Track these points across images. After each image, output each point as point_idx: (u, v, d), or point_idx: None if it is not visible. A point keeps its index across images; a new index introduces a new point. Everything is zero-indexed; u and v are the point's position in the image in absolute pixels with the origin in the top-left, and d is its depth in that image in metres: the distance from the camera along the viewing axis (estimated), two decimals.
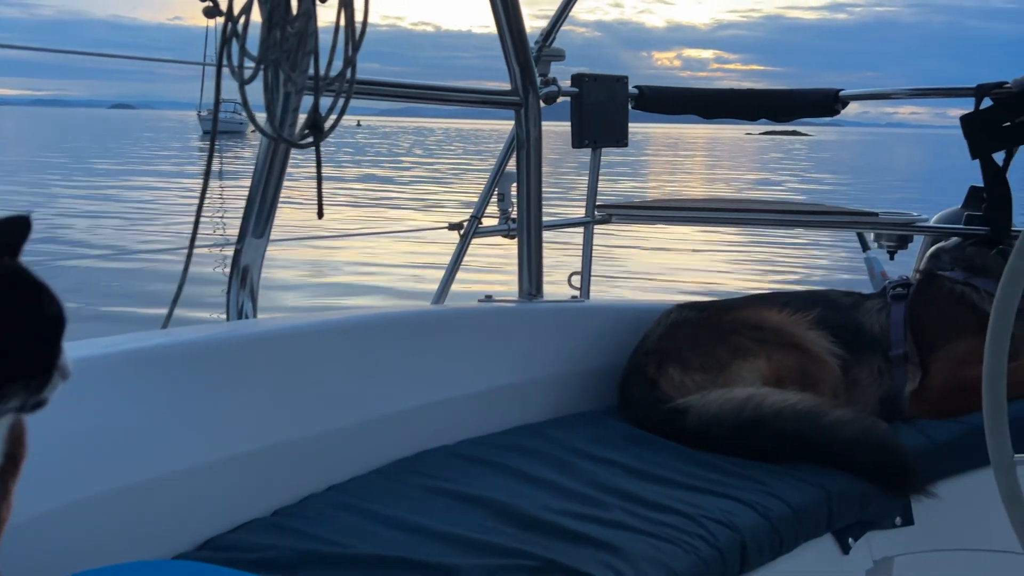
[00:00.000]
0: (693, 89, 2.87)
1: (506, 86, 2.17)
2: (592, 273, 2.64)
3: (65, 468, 1.25)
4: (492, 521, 1.47)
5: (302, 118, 1.64)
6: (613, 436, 1.92)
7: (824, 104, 2.74)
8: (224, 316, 1.82)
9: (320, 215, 1.68)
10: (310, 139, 1.65)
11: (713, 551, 1.43)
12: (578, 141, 2.61)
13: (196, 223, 1.71)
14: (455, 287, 2.38)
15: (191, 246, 1.71)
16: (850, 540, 1.72)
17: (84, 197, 17.10)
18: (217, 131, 1.68)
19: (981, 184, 2.60)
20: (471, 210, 2.40)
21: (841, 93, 2.70)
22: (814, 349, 2.03)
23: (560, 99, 2.52)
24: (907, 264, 2.70)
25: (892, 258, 2.69)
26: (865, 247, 3.09)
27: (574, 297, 2.34)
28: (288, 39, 1.55)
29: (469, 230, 2.37)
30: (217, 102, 1.57)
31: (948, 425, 1.92)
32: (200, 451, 1.46)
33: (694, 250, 10.56)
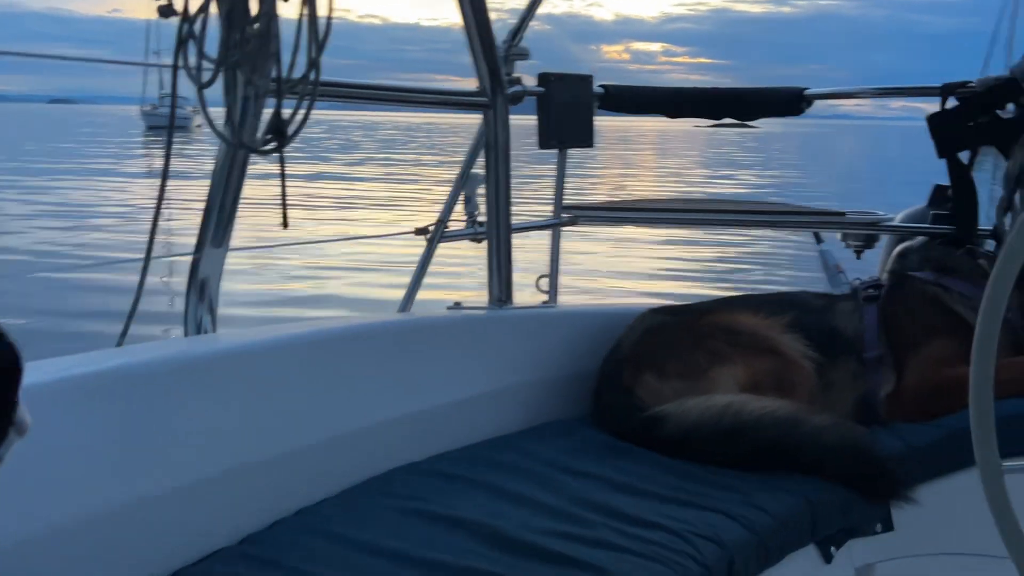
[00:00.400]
0: (658, 88, 2.84)
1: (471, 84, 2.11)
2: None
3: (18, 501, 1.16)
4: (472, 543, 1.42)
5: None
6: (590, 446, 1.87)
7: (789, 103, 2.73)
8: (182, 331, 1.73)
9: (284, 225, 1.60)
10: (273, 145, 1.58)
11: (701, 568, 1.39)
12: (545, 142, 2.56)
13: (152, 233, 1.62)
14: (421, 294, 2.32)
15: (147, 258, 1.62)
16: (832, 549, 1.70)
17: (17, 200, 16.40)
18: (169, 136, 1.59)
19: (944, 182, 2.62)
20: (437, 214, 2.33)
21: (806, 92, 2.69)
22: (789, 353, 2.01)
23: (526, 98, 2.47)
24: (872, 263, 2.70)
25: (859, 257, 2.68)
26: (819, 241, 3.09)
27: (544, 303, 2.29)
28: (249, 40, 1.48)
29: (436, 235, 2.30)
30: (173, 108, 1.49)
31: (925, 429, 1.91)
32: (162, 477, 1.37)
33: (652, 253, 10.55)
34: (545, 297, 2.56)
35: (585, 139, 2.65)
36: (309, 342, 1.71)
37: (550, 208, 2.65)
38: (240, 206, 1.72)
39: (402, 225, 2.28)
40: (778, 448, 1.73)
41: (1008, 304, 2.09)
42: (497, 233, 2.17)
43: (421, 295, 2.32)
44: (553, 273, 2.57)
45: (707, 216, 2.64)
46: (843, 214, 2.58)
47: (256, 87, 1.53)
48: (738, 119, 2.85)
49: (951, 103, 2.41)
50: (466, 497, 1.59)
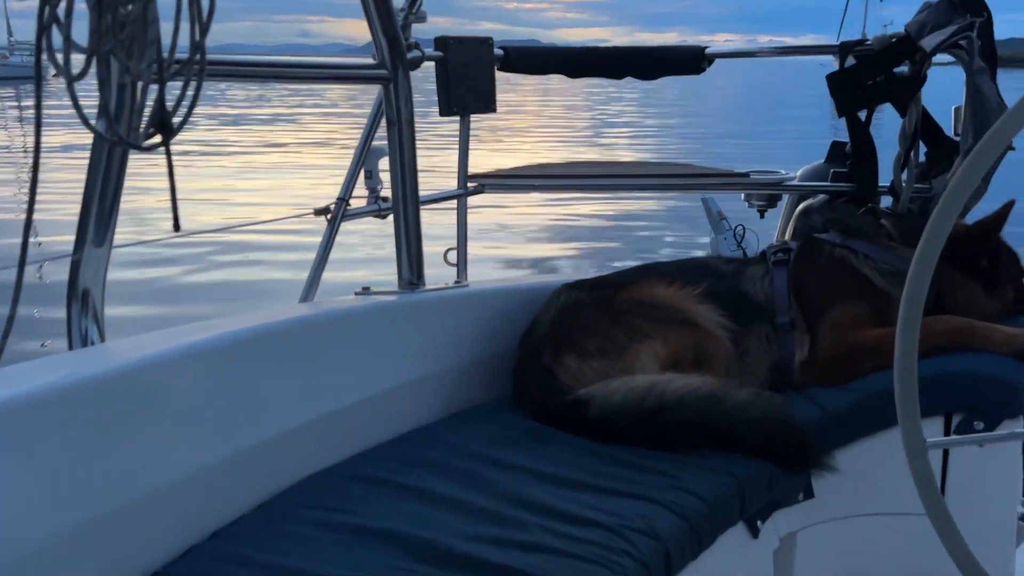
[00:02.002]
0: (559, 48, 2.76)
1: (368, 58, 1.98)
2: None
3: None
4: (400, 559, 1.35)
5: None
6: (513, 432, 1.83)
7: (691, 62, 2.69)
8: (65, 344, 1.58)
9: (176, 227, 1.46)
10: (157, 139, 1.43)
11: (638, 566, 1.37)
12: (446, 108, 2.44)
13: (26, 236, 1.45)
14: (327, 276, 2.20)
15: (21, 263, 1.45)
16: (759, 523, 1.71)
17: None
18: (37, 139, 1.41)
19: (843, 139, 2.65)
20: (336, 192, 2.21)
21: (707, 51, 2.66)
22: (705, 324, 2.00)
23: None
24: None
25: (762, 216, 2.70)
26: None
27: (457, 282, 2.21)
28: (124, 25, 1.31)
29: (337, 214, 2.18)
30: (39, 104, 1.32)
31: (839, 395, 1.94)
32: (59, 517, 1.25)
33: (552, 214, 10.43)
34: (454, 271, 2.48)
35: (487, 104, 2.55)
36: (208, 349, 1.58)
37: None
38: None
39: (302, 207, 2.14)
40: (703, 427, 1.72)
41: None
42: (404, 210, 2.06)
43: (327, 276, 2.21)
44: (461, 246, 2.49)
45: (613, 181, 2.60)
46: (747, 175, 2.58)
47: (133, 75, 1.37)
48: (639, 77, 2.79)
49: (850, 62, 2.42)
50: (389, 503, 1.52)
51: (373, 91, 2.08)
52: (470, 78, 2.48)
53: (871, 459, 1.87)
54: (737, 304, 2.07)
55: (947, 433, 1.84)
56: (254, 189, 12.67)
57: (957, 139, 2.44)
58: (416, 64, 2.32)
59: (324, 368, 1.75)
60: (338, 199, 2.18)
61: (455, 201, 2.53)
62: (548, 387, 1.89)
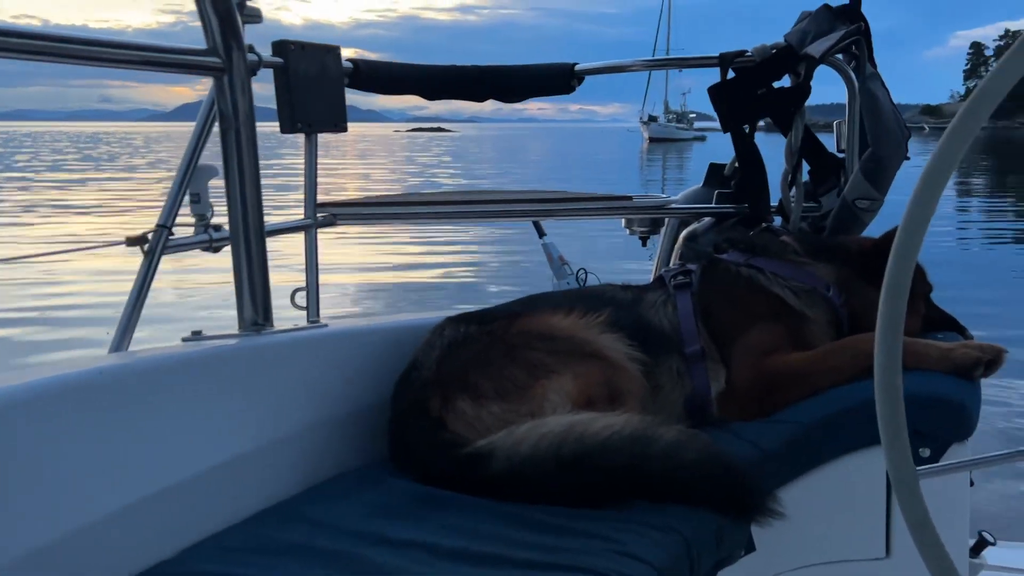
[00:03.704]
0: (416, 66, 2.45)
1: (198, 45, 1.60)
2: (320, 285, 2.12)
3: None
4: None
5: None
6: (397, 501, 1.45)
7: (559, 80, 2.47)
8: None
9: None
10: None
11: None
12: (289, 124, 2.08)
13: None
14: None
15: None
16: None
17: None
18: None
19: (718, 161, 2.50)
20: (156, 219, 1.78)
21: (577, 68, 2.45)
22: (614, 356, 1.72)
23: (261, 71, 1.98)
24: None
25: (644, 244, 2.48)
26: (541, 234, 2.87)
27: (313, 321, 1.82)
28: None
29: (156, 245, 1.75)
30: None
31: (767, 428, 1.70)
32: None
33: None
34: (304, 314, 2.09)
35: (337, 122, 2.20)
36: None
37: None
38: None
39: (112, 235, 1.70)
40: (636, 475, 1.41)
41: (825, 282, 1.95)
42: (246, 239, 1.67)
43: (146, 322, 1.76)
44: (311, 283, 2.10)
45: (485, 208, 2.31)
46: (630, 198, 2.36)
47: None
48: (503, 99, 2.54)
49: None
50: None
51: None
52: (316, 90, 2.13)
53: (812, 500, 1.64)
54: (642, 334, 1.81)
55: None
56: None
57: (841, 155, 2.33)
58: (253, 70, 1.95)
59: (145, 434, 1.33)
60: (158, 226, 1.75)
61: (303, 233, 2.15)
62: (438, 440, 1.54)
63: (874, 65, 2.20)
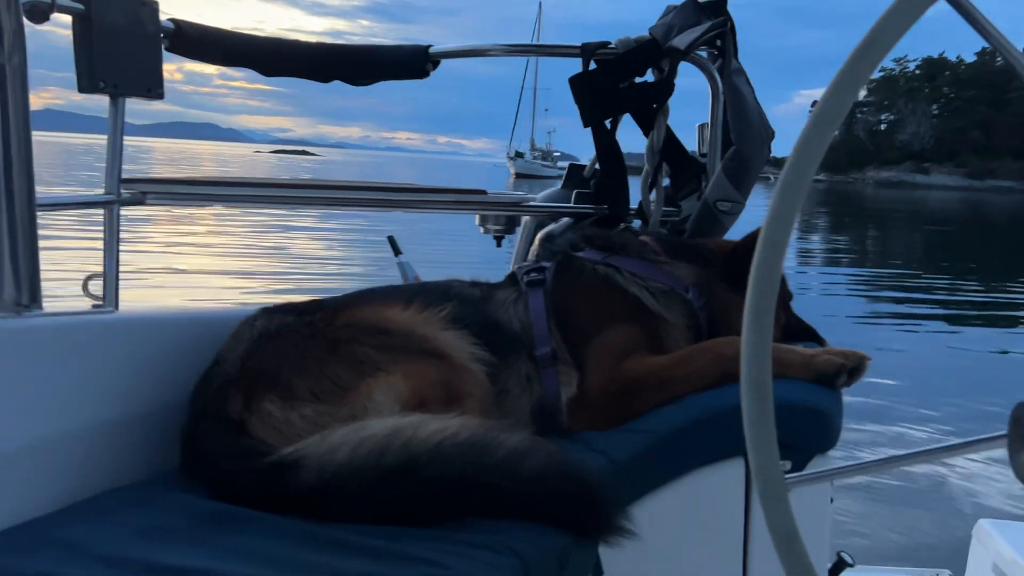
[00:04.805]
0: (253, 36, 2.19)
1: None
2: (121, 273, 1.82)
3: None
4: None
5: None
6: (181, 519, 1.20)
7: (413, 64, 2.27)
8: None
9: None
10: None
11: None
12: (88, 83, 1.78)
13: None
14: None
15: None
16: None
17: None
18: None
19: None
20: None
21: (431, 50, 2.26)
22: (457, 356, 1.51)
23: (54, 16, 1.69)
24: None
25: (499, 244, 2.30)
26: (397, 252, 2.69)
27: (96, 306, 1.53)
28: None
29: None
30: None
31: (620, 438, 1.53)
32: None
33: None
34: (98, 303, 1.78)
35: (151, 87, 1.92)
36: None
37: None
38: None
39: None
40: (471, 486, 1.21)
41: (684, 283, 1.81)
42: (11, 205, 1.37)
43: None
44: (111, 269, 1.79)
45: (323, 194, 2.07)
46: (484, 192, 2.17)
47: None
48: (350, 81, 2.32)
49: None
50: None
51: None
52: (125, 46, 1.84)
53: (666, 517, 1.48)
54: (489, 333, 1.62)
55: (748, 476, 1.51)
56: None
57: (703, 159, 2.23)
58: (43, 14, 1.67)
59: None
60: None
61: (104, 212, 1.84)
62: (237, 448, 1.29)
63: (738, 60, 2.11)
